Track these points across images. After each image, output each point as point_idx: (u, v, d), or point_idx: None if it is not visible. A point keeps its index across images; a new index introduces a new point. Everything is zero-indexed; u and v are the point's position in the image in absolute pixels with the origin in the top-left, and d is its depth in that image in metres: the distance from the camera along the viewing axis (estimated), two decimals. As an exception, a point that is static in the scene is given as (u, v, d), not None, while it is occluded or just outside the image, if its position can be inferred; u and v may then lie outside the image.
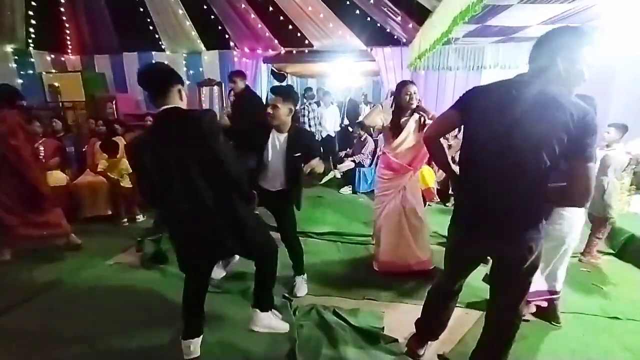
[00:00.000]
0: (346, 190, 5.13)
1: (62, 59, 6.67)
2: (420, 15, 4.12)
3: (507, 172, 1.23)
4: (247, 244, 1.70)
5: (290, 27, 5.28)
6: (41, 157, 3.75)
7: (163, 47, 6.32)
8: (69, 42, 6.49)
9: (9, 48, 5.69)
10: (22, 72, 5.93)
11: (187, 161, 1.49)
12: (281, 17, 5.12)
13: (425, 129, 2.24)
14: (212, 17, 5.43)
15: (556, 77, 1.19)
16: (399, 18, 4.53)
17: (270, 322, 1.97)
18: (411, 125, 2.53)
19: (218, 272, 2.57)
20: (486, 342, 1.55)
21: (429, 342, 1.83)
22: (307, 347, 1.87)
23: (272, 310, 2.03)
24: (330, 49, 5.82)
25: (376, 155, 5.14)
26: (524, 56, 4.72)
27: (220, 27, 5.67)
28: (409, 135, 2.54)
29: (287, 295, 2.37)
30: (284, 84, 8.66)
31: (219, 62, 6.39)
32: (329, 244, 3.34)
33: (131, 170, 3.66)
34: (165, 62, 6.17)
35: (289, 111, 2.11)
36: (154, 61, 6.54)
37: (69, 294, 2.44)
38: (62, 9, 5.63)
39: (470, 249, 1.46)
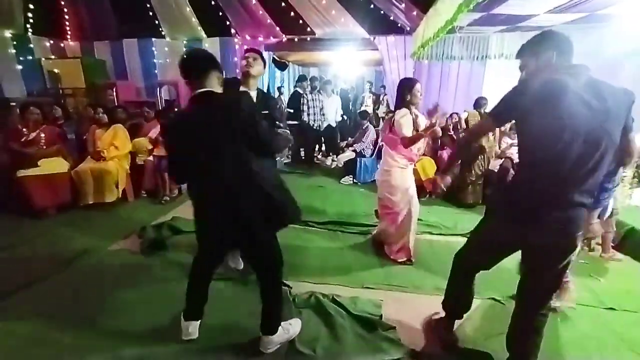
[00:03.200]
0: (347, 180, 5.13)
1: (62, 45, 6.61)
2: (425, 2, 4.04)
3: (586, 160, 1.27)
4: (255, 243, 1.66)
5: (292, 14, 5.20)
6: (42, 143, 3.78)
7: (163, 33, 6.25)
8: (68, 28, 6.42)
9: (7, 33, 5.63)
10: (21, 58, 5.88)
11: (222, 144, 1.50)
12: (283, 4, 5.04)
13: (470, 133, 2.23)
14: (213, 2, 5.34)
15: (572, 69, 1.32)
16: (403, 5, 4.45)
17: (282, 336, 1.82)
18: (422, 120, 2.65)
19: (239, 262, 2.59)
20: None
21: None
22: (306, 333, 1.90)
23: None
24: (332, 37, 5.75)
25: (378, 146, 5.13)
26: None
27: (221, 14, 5.58)
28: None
29: (286, 282, 2.39)
30: (285, 73, 8.58)
31: (220, 50, 6.31)
32: (329, 233, 3.35)
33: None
34: (165, 49, 6.14)
35: (262, 70, 2.26)
36: (156, 48, 6.49)
37: (71, 279, 2.46)
38: (60, -6, 5.53)
39: (517, 235, 1.43)
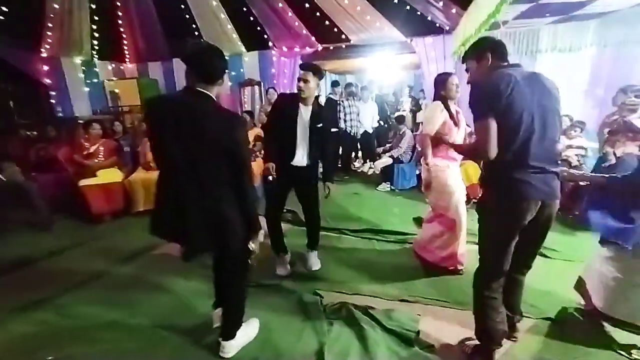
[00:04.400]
0: (384, 187, 4.97)
1: (121, 67, 7.34)
2: (465, -2, 3.84)
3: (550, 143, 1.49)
4: (225, 239, 1.59)
5: (327, 22, 5.23)
6: (100, 156, 4.17)
7: (207, 51, 6.65)
8: (126, 52, 7.11)
9: (77, 60, 6.39)
10: (87, 81, 6.62)
11: (198, 153, 1.46)
12: (317, 13, 5.10)
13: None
14: (252, 18, 5.58)
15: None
16: (441, 3, 4.26)
17: (242, 339, 1.84)
18: (461, 116, 2.52)
19: (283, 269, 2.61)
20: None
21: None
22: (336, 345, 1.82)
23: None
24: (368, 42, 5.68)
25: (416, 151, 4.91)
26: (587, 37, 4.23)
27: (259, 28, 5.81)
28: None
29: (318, 291, 2.34)
30: (322, 81, 8.66)
31: (258, 63, 6.56)
32: (364, 242, 3.24)
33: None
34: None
35: (317, 85, 2.32)
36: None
37: (116, 282, 2.64)
38: (119, 22, 6.15)
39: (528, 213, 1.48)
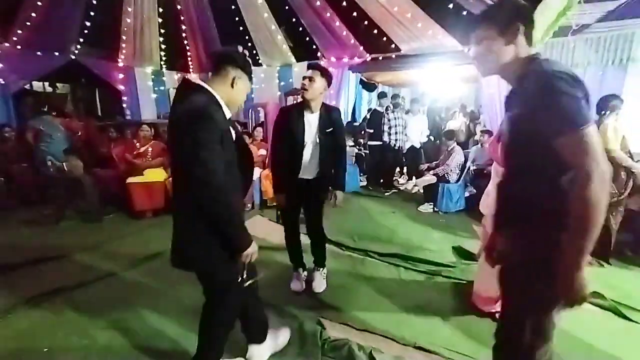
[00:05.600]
0: (426, 207, 4.50)
1: (186, 76, 7.99)
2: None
3: None
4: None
5: (376, 31, 5.01)
6: (148, 156, 4.47)
7: (260, 61, 6.88)
8: (190, 62, 7.72)
9: (148, 70, 7.10)
10: (155, 89, 7.33)
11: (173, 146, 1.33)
12: (365, 22, 4.92)
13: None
14: (300, 29, 5.62)
15: None
16: (503, 6, 3.76)
17: (266, 352, 1.75)
18: None
19: (297, 285, 2.46)
20: None
21: None
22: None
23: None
24: (420, 52, 5.30)
25: (465, 170, 4.38)
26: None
27: (308, 39, 5.82)
28: None
29: (321, 320, 2.08)
30: (374, 93, 8.40)
31: (307, 73, 6.57)
32: (389, 268, 2.89)
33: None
34: (262, 75, 6.67)
35: (324, 88, 2.13)
36: (254, 75, 7.20)
37: (145, 273, 2.74)
38: (184, 34, 6.70)
39: None
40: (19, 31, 4.80)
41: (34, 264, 2.85)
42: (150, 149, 4.49)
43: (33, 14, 4.71)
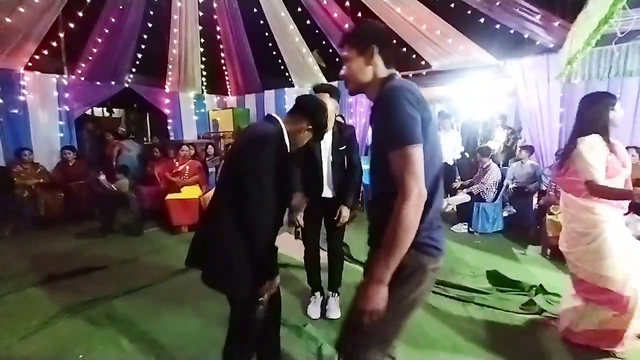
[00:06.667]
0: (460, 228, 4.27)
1: (224, 99, 8.50)
2: (571, 8, 3.15)
3: None
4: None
5: (404, 49, 5.01)
6: (186, 174, 4.76)
7: (292, 83, 7.15)
8: (228, 86, 8.24)
9: (191, 94, 7.68)
10: (197, 111, 7.87)
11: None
12: (394, 40, 4.93)
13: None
14: (330, 50, 5.78)
15: None
16: (539, 17, 3.59)
17: None
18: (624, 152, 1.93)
19: (313, 311, 2.40)
20: None
21: None
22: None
23: None
24: (452, 68, 5.20)
25: (503, 188, 4.11)
26: None
27: (337, 59, 5.96)
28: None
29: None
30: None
31: (337, 93, 6.69)
32: (416, 292, 2.74)
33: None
34: (294, 96, 6.94)
35: (335, 108, 2.16)
36: (287, 96, 7.48)
37: (173, 287, 2.87)
38: (222, 61, 7.19)
39: None
40: (83, 65, 5.49)
41: (77, 274, 3.10)
42: (187, 167, 4.79)
43: (94, 49, 5.36)
